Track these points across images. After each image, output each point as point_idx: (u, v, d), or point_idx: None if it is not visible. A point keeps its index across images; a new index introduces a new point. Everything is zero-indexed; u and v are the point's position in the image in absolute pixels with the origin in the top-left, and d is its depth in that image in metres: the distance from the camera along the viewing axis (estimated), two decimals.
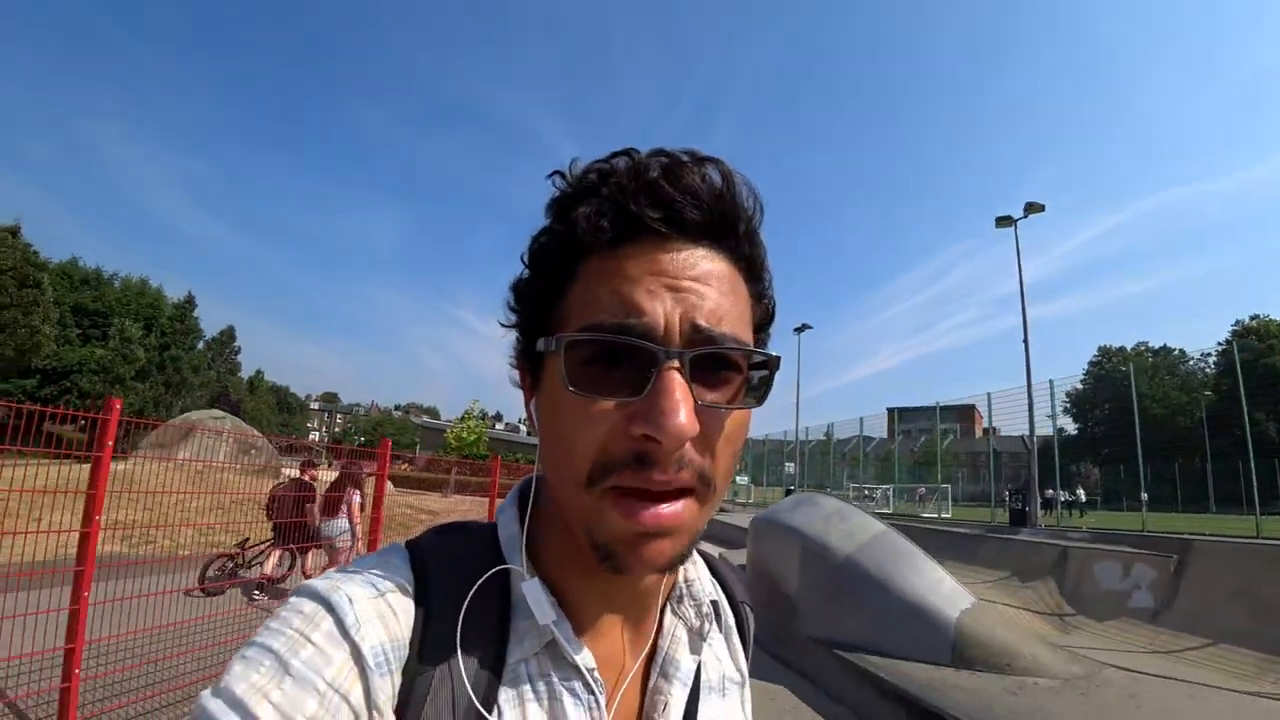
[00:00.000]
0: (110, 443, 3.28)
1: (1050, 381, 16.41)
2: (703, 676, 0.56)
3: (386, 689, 0.41)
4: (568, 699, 0.46)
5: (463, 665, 0.43)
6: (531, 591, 0.46)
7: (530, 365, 0.48)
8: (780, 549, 6.01)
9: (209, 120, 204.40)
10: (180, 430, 14.30)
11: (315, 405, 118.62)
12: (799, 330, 29.55)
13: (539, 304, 0.47)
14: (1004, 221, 18.67)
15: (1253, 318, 40.03)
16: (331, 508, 5.91)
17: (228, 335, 50.35)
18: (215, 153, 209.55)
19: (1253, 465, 12.65)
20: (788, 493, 25.36)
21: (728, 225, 0.45)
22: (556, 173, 0.46)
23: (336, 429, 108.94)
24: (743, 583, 0.68)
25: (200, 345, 43.28)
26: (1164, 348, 44.03)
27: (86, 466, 3.32)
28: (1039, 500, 16.21)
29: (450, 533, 0.53)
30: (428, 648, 0.43)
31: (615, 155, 0.45)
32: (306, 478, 6.23)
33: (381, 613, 0.43)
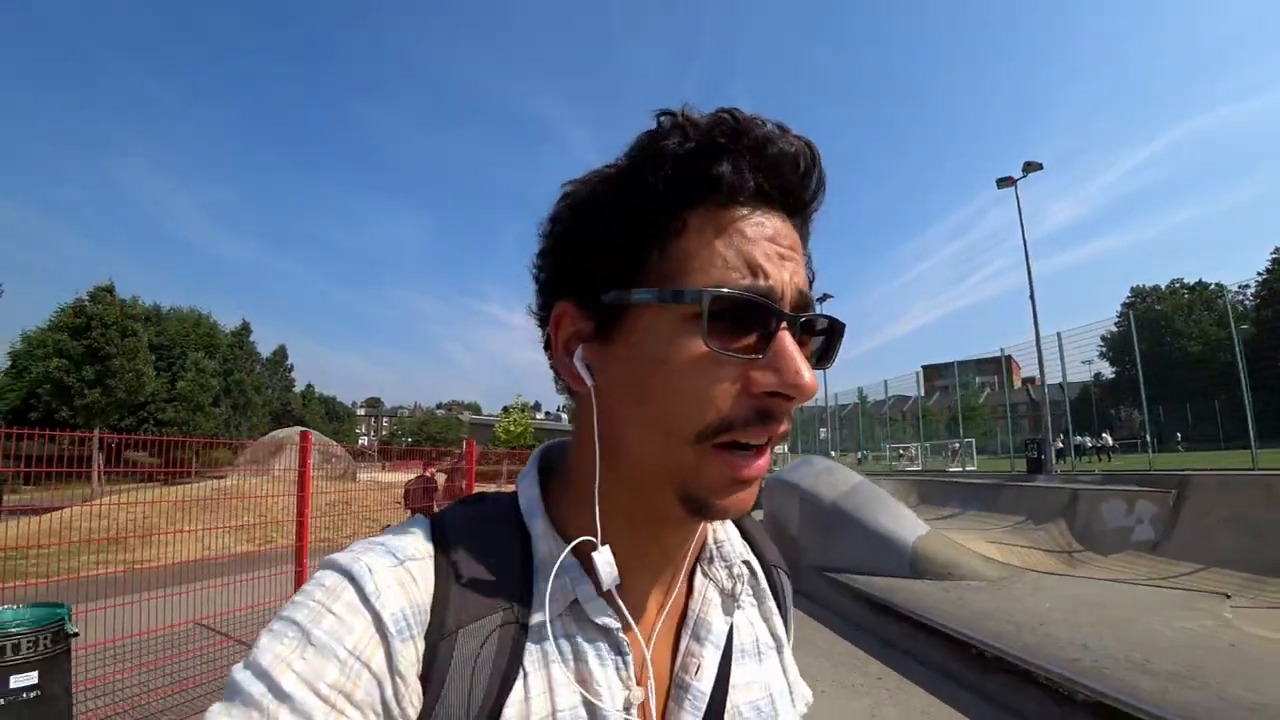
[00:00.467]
0: (310, 461, 5.01)
1: (1058, 334, 17.13)
2: (735, 640, 0.56)
3: (409, 654, 0.42)
4: (593, 659, 0.47)
5: (485, 628, 0.45)
6: (602, 559, 0.46)
7: (598, 314, 0.47)
8: (785, 500, 7.63)
9: (217, 129, 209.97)
10: (269, 447, 16.48)
11: (361, 411, 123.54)
12: (821, 300, 30.70)
13: (623, 251, 0.45)
14: (1005, 182, 19.56)
15: None
16: (452, 496, 7.76)
17: (280, 354, 53.87)
18: (227, 165, 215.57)
19: (1247, 399, 13.66)
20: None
21: (811, 205, 0.48)
22: (667, 113, 0.45)
23: (383, 432, 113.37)
24: (774, 546, 0.68)
25: (258, 368, 46.74)
26: (1199, 283, 43.32)
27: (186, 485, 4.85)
28: (1054, 449, 17.32)
29: (472, 503, 0.54)
30: (450, 612, 0.44)
31: (721, 113, 0.45)
32: (428, 474, 8.09)
33: (402, 580, 0.44)
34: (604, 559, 0.46)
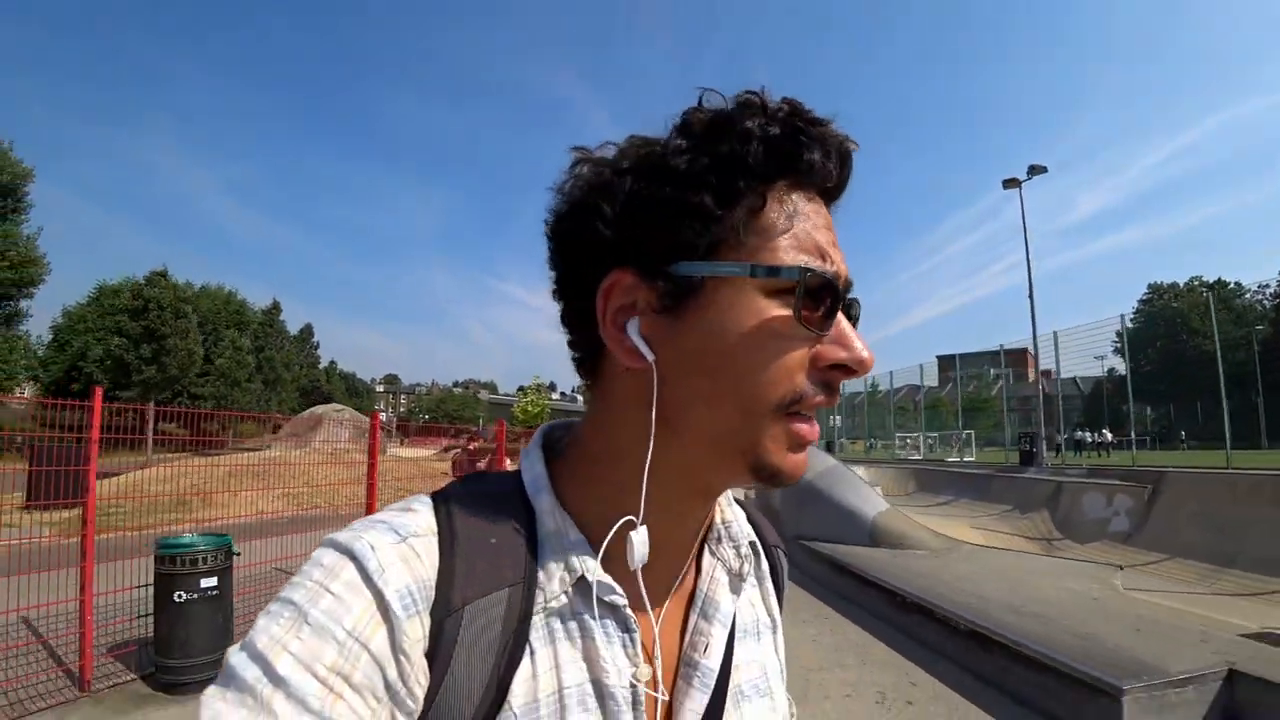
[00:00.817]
0: (378, 433, 6.30)
1: (1054, 333, 18.04)
2: (738, 620, 0.58)
3: (414, 631, 0.42)
4: (600, 636, 0.48)
5: (492, 604, 0.45)
6: (639, 539, 0.47)
7: (667, 284, 0.46)
8: None
9: (238, 112, 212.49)
10: (308, 422, 17.95)
11: (380, 388, 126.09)
12: None
13: (707, 220, 0.45)
14: (1010, 183, 20.44)
15: None
16: (494, 467, 9.08)
17: (307, 332, 56.39)
18: (248, 145, 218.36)
19: (1223, 400, 14.58)
20: (827, 445, 28.08)
21: (843, 196, 0.51)
22: (750, 92, 0.47)
23: (401, 408, 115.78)
24: (773, 528, 0.71)
25: (286, 345, 48.99)
26: (1219, 281, 43.25)
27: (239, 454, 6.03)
28: (1045, 442, 18.34)
29: (474, 480, 0.54)
30: (455, 589, 0.44)
31: (788, 100, 0.47)
32: (471, 447, 9.42)
33: (405, 556, 0.44)
34: (641, 538, 0.47)
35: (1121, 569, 6.42)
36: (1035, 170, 19.95)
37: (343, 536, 0.45)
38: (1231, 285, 41.50)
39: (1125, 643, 4.14)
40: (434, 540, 0.46)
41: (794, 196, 0.47)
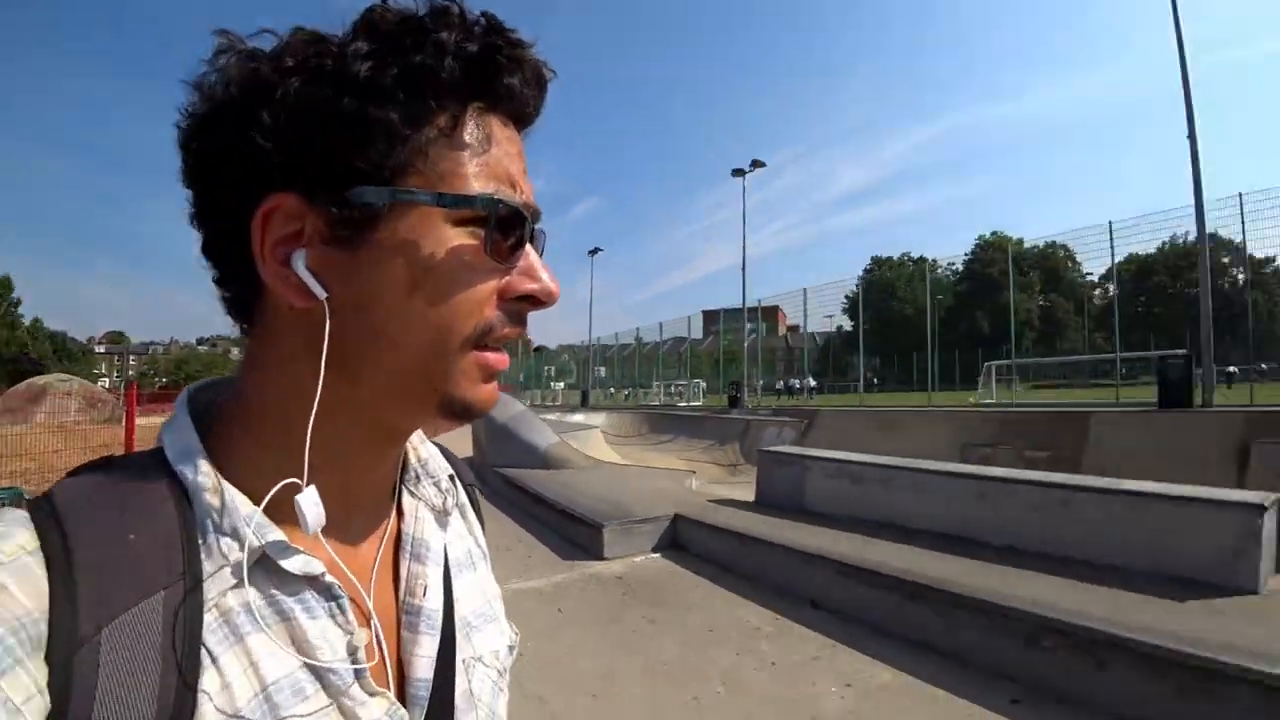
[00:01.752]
0: (135, 408, 7.85)
1: (759, 300, 22.96)
2: (450, 554, 0.58)
3: (17, 691, 0.33)
4: (301, 614, 0.44)
5: (143, 616, 0.38)
6: (307, 500, 0.43)
7: (343, 211, 0.42)
8: (479, 423, 11.55)
9: None
10: (25, 396, 17.02)
11: (100, 348, 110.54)
12: (592, 253, 36.24)
13: (394, 141, 0.42)
14: (738, 173, 25.05)
15: (993, 234, 51.93)
16: None
17: (4, 286, 47.76)
18: None
19: (861, 360, 19.79)
20: (583, 394, 32.01)
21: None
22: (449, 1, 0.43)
23: (130, 372, 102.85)
24: (466, 466, 0.72)
25: None
26: (921, 257, 54.91)
27: None
28: (749, 389, 23.19)
29: (88, 470, 0.45)
30: (82, 613, 0.36)
31: (490, 16, 0.44)
32: None
33: None
34: (310, 499, 0.43)
35: (694, 474, 10.01)
36: (756, 164, 24.69)
37: None
38: (930, 260, 52.39)
39: (637, 506, 7.24)
40: (37, 559, 0.37)
41: (488, 120, 0.46)
